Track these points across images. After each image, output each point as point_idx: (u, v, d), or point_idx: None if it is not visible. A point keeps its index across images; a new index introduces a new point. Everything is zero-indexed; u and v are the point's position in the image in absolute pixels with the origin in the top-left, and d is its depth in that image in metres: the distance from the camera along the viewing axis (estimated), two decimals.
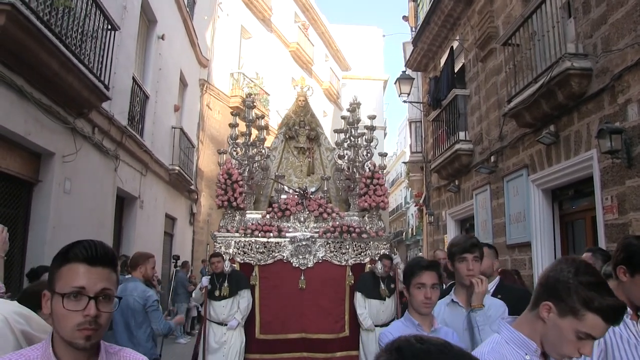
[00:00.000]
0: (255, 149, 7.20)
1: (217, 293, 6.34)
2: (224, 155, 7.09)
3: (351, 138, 7.26)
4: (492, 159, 9.12)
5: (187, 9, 14.64)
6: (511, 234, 8.38)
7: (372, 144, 7.20)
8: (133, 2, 10.17)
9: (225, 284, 6.32)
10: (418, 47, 13.68)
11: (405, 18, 17.10)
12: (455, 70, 11.39)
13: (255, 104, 7.43)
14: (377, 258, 6.49)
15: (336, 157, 7.47)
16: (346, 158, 7.29)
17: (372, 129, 7.20)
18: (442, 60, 12.27)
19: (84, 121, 8.03)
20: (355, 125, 7.30)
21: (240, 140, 7.21)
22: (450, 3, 11.07)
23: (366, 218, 6.81)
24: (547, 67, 6.70)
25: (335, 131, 7.61)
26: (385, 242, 6.79)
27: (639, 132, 5.27)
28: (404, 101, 14.33)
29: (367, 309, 6.32)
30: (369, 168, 7.01)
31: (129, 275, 5.05)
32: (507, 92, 8.17)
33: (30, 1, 5.69)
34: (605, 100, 6.01)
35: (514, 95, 7.63)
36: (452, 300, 2.94)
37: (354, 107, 7.37)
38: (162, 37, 12.30)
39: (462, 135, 10.47)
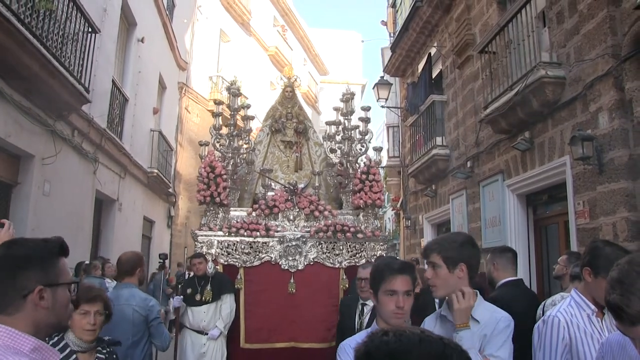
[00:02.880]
0: (240, 140, 6.72)
1: (198, 297, 5.77)
2: (206, 147, 6.59)
3: (344, 130, 6.78)
4: (469, 164, 9.32)
5: (167, 12, 14.62)
6: (487, 238, 8.57)
7: (367, 137, 6.74)
8: (113, 5, 10.15)
9: (208, 288, 5.75)
10: (396, 53, 13.86)
11: (383, 23, 17.29)
12: (433, 77, 11.60)
13: (240, 91, 6.93)
14: (373, 260, 5.75)
15: (327, 150, 7.04)
16: (339, 152, 6.84)
17: (367, 121, 6.76)
18: (420, 66, 12.48)
19: (64, 123, 8.00)
20: (349, 117, 6.82)
21: (224, 132, 6.71)
22: (428, 10, 11.27)
23: (361, 217, 6.34)
24: (522, 75, 6.90)
25: (327, 123, 7.23)
26: (382, 243, 6.30)
27: (610, 140, 5.48)
28: (382, 106, 14.50)
29: None
30: (364, 163, 6.52)
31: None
32: (483, 98, 8.37)
33: (11, 3, 5.68)
34: (578, 108, 6.22)
35: (490, 101, 7.82)
36: (441, 314, 2.53)
37: (348, 97, 6.90)
38: (142, 40, 12.28)
39: (439, 140, 10.66)
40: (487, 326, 2.32)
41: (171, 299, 5.97)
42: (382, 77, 14.30)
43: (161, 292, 12.10)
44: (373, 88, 14.32)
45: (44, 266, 1.62)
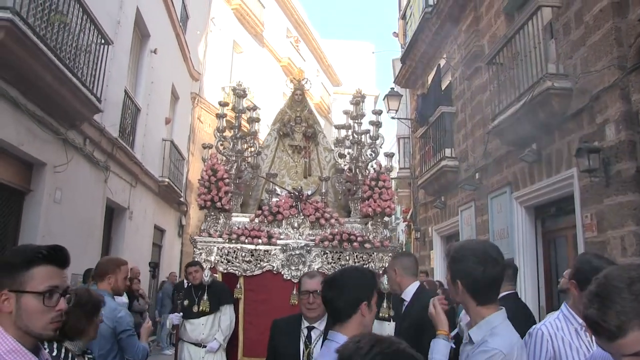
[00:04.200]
0: (245, 143, 6.46)
1: (195, 309, 5.57)
2: (209, 150, 6.32)
3: (354, 134, 6.49)
4: (477, 175, 9.31)
5: (180, 24, 14.82)
6: None
7: (377, 142, 6.43)
8: (127, 17, 10.32)
9: (205, 298, 5.53)
10: (406, 64, 13.93)
11: (395, 34, 17.40)
12: (442, 88, 11.63)
13: (246, 92, 6.67)
14: (381, 272, 5.49)
15: (336, 156, 6.72)
16: (348, 157, 6.55)
17: (378, 125, 6.46)
18: (430, 78, 12.52)
19: (76, 132, 8.13)
20: (359, 121, 6.53)
21: (229, 134, 6.45)
22: (437, 22, 11.33)
23: (369, 226, 5.97)
24: (529, 87, 6.90)
25: (336, 127, 6.96)
26: (391, 254, 5.79)
27: (616, 152, 5.45)
28: (392, 117, 14.53)
29: None
30: (373, 169, 6.18)
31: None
32: (491, 110, 8.37)
33: (27, 17, 5.83)
34: (584, 119, 6.21)
35: (498, 113, 7.82)
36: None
37: (358, 99, 6.59)
38: (155, 51, 12.45)
39: (448, 152, 10.67)
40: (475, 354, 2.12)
41: (170, 316, 5.85)
42: (392, 88, 14.36)
43: (171, 301, 12.19)
44: (383, 99, 14.38)
45: (10, 272, 1.68)
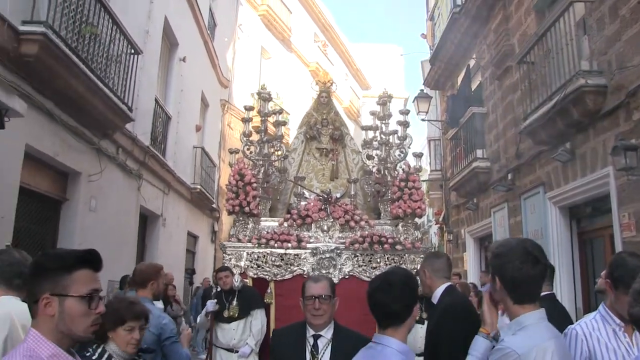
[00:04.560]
0: (272, 148, 6.43)
1: (225, 314, 5.57)
2: (236, 154, 6.36)
3: (382, 135, 6.42)
4: (509, 176, 9.14)
5: (208, 32, 15.01)
6: None
7: (405, 142, 6.35)
8: (155, 27, 10.51)
9: (235, 303, 5.53)
10: (435, 66, 13.81)
11: (423, 36, 17.29)
12: (472, 89, 11.48)
13: (271, 95, 6.69)
14: (413, 273, 5.47)
15: (364, 157, 6.64)
16: (376, 159, 6.48)
17: (405, 125, 6.37)
18: (459, 79, 12.38)
19: (109, 142, 8.30)
20: (387, 121, 6.44)
21: (255, 138, 6.46)
22: (466, 22, 11.18)
23: (400, 227, 5.90)
24: (561, 85, 6.75)
25: (363, 128, 6.93)
26: (422, 255, 5.69)
27: None
28: (422, 119, 14.42)
29: None
30: (402, 169, 6.11)
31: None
32: (523, 109, 8.22)
33: (60, 30, 5.98)
34: (620, 117, 6.04)
35: (529, 112, 7.67)
36: None
37: (385, 100, 6.51)
38: (184, 59, 12.63)
39: (479, 153, 10.52)
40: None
41: (208, 303, 5.84)
42: (421, 90, 14.24)
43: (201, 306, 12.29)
44: (413, 101, 14.27)
45: (53, 276, 1.71)
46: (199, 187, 13.92)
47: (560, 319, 3.69)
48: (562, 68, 6.87)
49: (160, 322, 3.68)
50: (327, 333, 2.94)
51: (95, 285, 1.76)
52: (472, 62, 11.66)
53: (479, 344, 2.28)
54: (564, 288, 7.28)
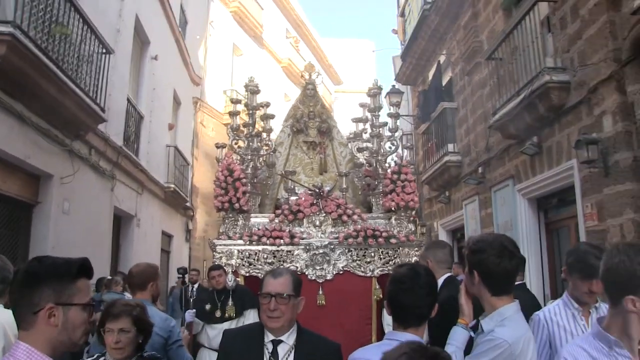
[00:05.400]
0: (260, 142, 6.25)
1: (218, 314, 5.39)
2: (223, 150, 6.15)
3: (373, 127, 6.25)
4: (480, 170, 9.37)
5: (180, 29, 14.91)
6: None
7: (396, 133, 6.25)
8: (126, 25, 10.41)
9: (230, 303, 5.36)
10: (407, 62, 13.98)
11: (394, 31, 17.42)
12: (443, 84, 11.68)
13: (259, 88, 6.42)
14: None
15: (354, 150, 6.54)
16: (367, 152, 6.33)
17: (396, 116, 6.27)
18: (430, 74, 12.57)
19: (81, 143, 8.23)
20: (377, 114, 6.30)
21: (242, 132, 6.27)
22: (436, 18, 11.37)
23: (393, 220, 5.78)
24: (528, 81, 6.96)
25: (354, 120, 6.79)
26: (417, 249, 5.67)
27: (614, 142, 5.52)
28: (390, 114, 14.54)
29: None
30: (394, 162, 5.98)
31: (125, 294, 3.82)
32: (492, 104, 8.43)
33: (28, 30, 5.91)
34: (583, 112, 6.27)
35: (498, 107, 7.88)
36: None
37: (375, 92, 6.33)
38: (156, 58, 12.54)
39: (450, 147, 10.73)
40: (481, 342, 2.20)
41: (186, 314, 5.52)
42: (393, 85, 14.40)
43: (182, 306, 12.22)
44: (385, 97, 14.39)
45: (57, 285, 1.66)
46: (172, 186, 13.85)
47: (531, 306, 3.87)
48: (529, 64, 7.09)
49: (169, 325, 3.53)
50: (289, 338, 2.54)
51: (90, 294, 1.81)
52: (442, 58, 11.87)
53: (457, 334, 2.33)
54: (532, 276, 7.53)
